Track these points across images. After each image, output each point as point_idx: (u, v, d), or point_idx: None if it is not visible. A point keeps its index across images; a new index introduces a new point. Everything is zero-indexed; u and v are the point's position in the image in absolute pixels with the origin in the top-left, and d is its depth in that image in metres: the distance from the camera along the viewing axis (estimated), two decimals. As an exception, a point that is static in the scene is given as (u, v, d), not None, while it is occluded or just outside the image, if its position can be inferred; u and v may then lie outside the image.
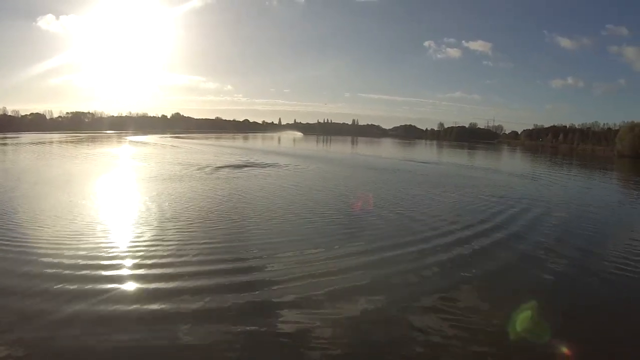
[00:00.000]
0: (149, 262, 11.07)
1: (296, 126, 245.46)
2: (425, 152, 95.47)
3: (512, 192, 28.04)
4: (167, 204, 19.35)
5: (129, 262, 11.06)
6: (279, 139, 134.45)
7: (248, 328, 7.75)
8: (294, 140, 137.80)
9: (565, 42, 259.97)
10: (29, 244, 12.34)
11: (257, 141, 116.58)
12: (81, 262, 10.87)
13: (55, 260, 10.91)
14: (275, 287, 9.69)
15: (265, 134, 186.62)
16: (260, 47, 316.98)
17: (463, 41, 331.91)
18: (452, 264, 12.14)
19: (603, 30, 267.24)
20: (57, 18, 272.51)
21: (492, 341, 7.76)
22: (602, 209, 23.75)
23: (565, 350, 7.37)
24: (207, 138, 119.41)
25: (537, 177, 41.09)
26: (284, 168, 39.50)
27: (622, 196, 33.03)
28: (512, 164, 68.62)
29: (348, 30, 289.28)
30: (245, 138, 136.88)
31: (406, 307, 9.08)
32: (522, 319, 8.23)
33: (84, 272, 10.18)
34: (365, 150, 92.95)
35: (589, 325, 8.72)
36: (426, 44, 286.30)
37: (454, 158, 74.05)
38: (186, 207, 18.52)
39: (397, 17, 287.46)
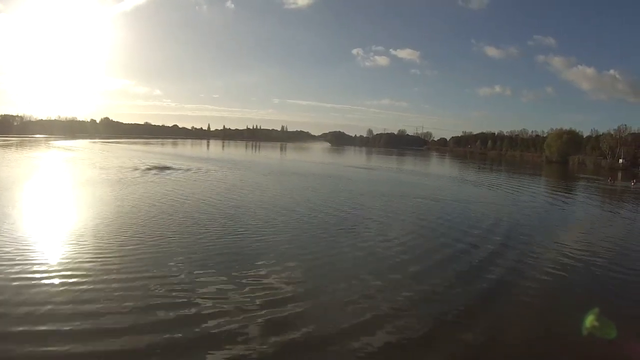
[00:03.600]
0: (73, 275, 10.61)
1: (224, 132, 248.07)
2: (356, 157, 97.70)
3: (446, 194, 29.32)
4: (91, 211, 18.60)
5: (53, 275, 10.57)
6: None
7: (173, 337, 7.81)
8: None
9: (492, 51, 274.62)
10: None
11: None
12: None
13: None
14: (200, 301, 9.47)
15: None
16: (190, 52, 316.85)
17: (391, 49, 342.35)
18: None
19: (530, 40, 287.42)
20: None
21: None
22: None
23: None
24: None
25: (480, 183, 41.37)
26: (203, 172, 38.49)
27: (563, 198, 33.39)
28: (445, 169, 71.54)
29: (277, 37, 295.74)
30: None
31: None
32: None
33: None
34: (296, 156, 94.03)
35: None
36: (354, 51, 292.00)
37: (386, 163, 76.32)
38: (112, 215, 17.92)
39: (326, 24, 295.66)
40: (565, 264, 13.60)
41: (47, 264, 11.27)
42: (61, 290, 9.54)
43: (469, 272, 12.35)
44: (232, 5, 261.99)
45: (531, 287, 11.32)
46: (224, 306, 9.07)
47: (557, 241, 17.02)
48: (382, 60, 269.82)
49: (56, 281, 10.04)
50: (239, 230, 16.10)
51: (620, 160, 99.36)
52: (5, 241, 13.07)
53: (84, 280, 10.13)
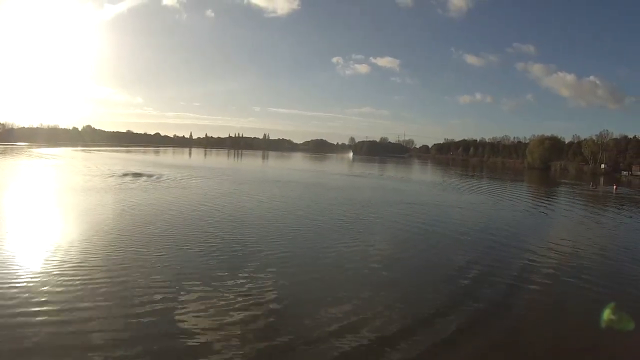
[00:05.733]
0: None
1: (207, 140, 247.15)
2: (339, 165, 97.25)
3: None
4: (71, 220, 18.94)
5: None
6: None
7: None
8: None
9: (472, 59, 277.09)
10: None
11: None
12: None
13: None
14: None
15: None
16: (170, 60, 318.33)
17: (371, 57, 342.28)
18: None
19: (509, 48, 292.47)
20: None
21: None
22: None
23: None
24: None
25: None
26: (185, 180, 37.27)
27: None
28: (428, 176, 71.77)
29: (257, 45, 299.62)
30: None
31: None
32: None
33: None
34: (279, 164, 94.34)
35: None
36: (334, 59, 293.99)
37: (369, 171, 76.64)
38: (90, 226, 17.43)
39: (306, 32, 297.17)
40: (560, 268, 13.90)
41: (21, 278, 10.85)
42: (36, 311, 9.08)
43: (466, 283, 12.13)
44: (212, 14, 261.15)
45: (531, 292, 11.50)
46: (206, 321, 8.90)
47: (549, 247, 17.17)
48: (362, 69, 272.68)
49: (32, 300, 9.63)
50: (224, 240, 15.83)
51: (602, 166, 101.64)
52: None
53: (57, 299, 9.67)
